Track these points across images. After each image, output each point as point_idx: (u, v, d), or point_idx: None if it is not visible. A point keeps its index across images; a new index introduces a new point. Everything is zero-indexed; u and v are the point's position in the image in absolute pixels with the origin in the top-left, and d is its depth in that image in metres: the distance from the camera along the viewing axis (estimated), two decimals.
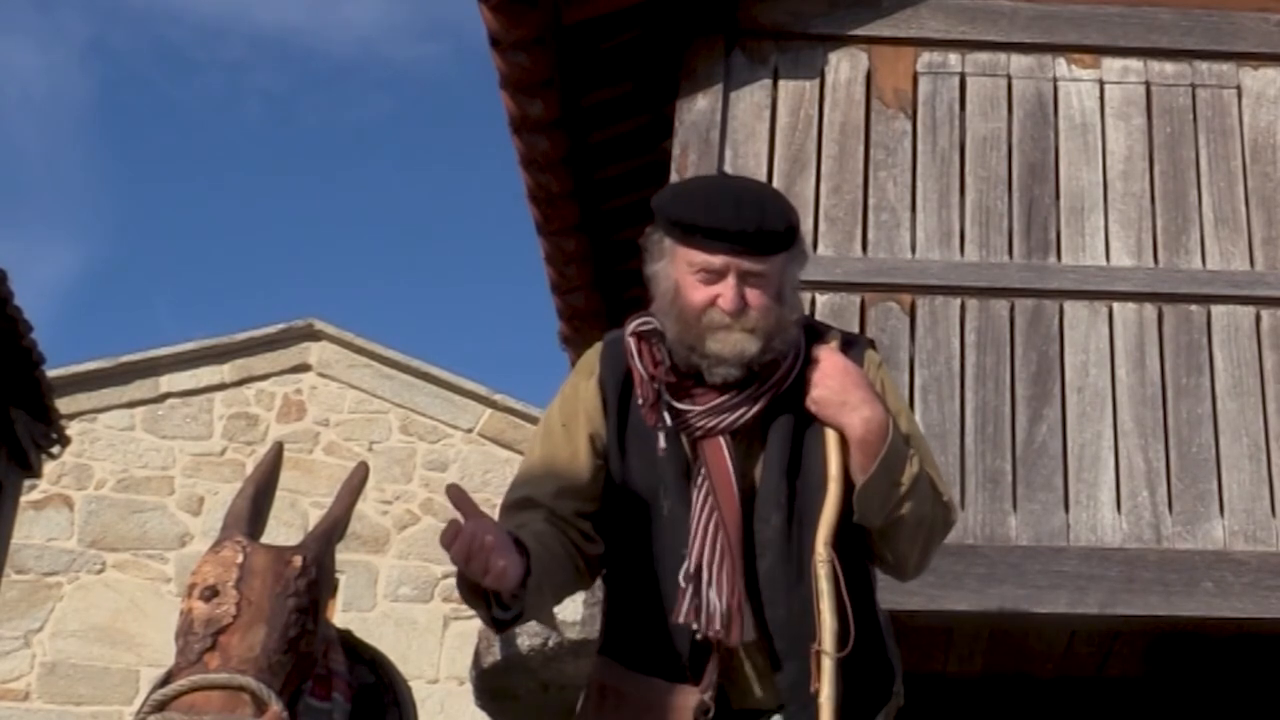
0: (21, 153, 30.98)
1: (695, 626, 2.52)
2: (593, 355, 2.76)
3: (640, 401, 2.63)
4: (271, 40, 34.24)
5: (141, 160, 31.53)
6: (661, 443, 2.58)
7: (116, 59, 33.09)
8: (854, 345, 2.74)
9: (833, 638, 2.48)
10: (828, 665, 2.48)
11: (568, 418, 2.71)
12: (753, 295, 2.58)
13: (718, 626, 2.51)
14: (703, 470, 2.60)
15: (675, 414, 2.60)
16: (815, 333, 2.73)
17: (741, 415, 2.61)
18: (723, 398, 2.61)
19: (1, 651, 10.69)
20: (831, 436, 2.59)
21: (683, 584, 2.53)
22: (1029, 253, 4.32)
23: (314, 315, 11.93)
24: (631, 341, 2.68)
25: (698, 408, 2.60)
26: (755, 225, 2.58)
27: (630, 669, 2.63)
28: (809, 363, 2.67)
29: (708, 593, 2.53)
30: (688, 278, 2.60)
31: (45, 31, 31.88)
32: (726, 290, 2.56)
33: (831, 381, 2.59)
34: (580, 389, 2.73)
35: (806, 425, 2.62)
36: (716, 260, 2.57)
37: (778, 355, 2.61)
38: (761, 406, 2.62)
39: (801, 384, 2.63)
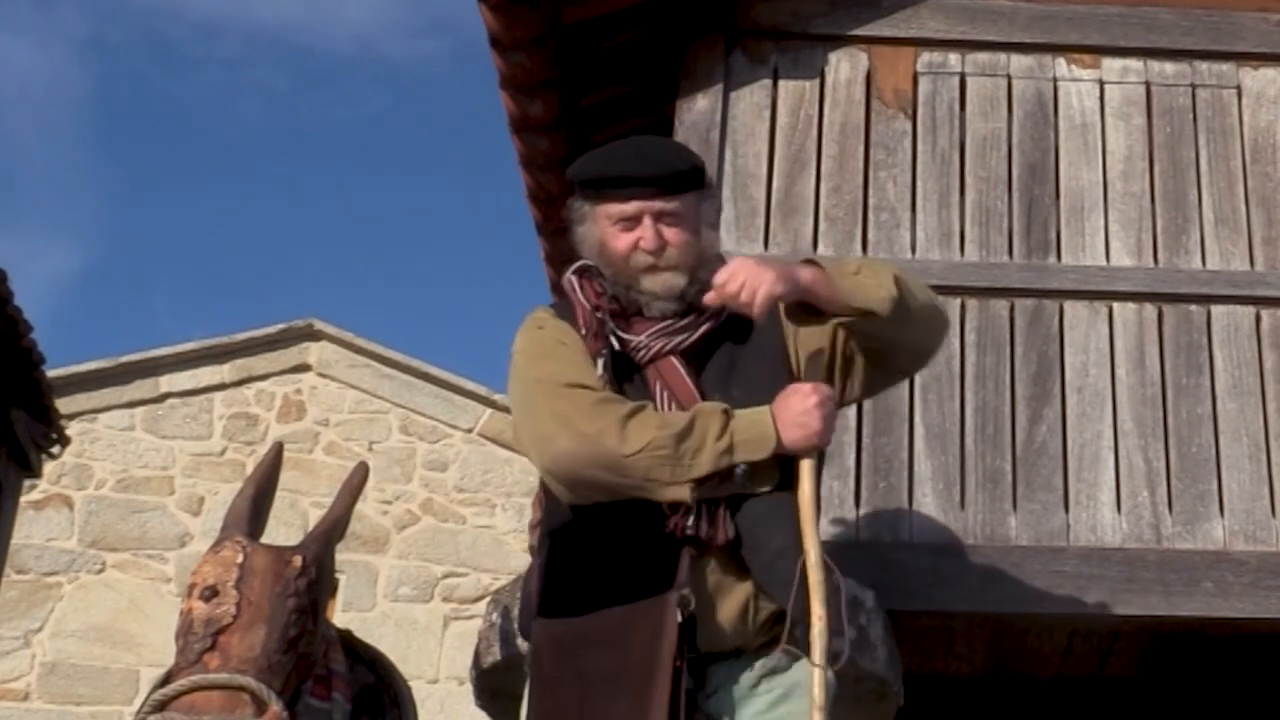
0: (19, 151, 30.99)
1: (687, 527, 2.63)
2: (541, 310, 2.91)
3: (584, 332, 2.79)
4: (270, 37, 34.23)
5: (140, 158, 31.54)
6: (599, 368, 2.71)
7: (114, 56, 33.10)
8: None
9: (823, 644, 2.54)
10: (818, 676, 2.53)
11: (562, 340, 2.80)
12: (670, 233, 2.78)
13: (703, 526, 2.64)
14: (660, 386, 2.76)
15: (622, 342, 2.77)
16: None
17: (687, 337, 2.78)
18: (664, 323, 2.79)
19: (1, 651, 10.68)
20: (805, 468, 2.68)
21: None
22: (1029, 253, 4.33)
23: (314, 315, 11.93)
24: (574, 279, 2.88)
25: (644, 334, 2.77)
26: (659, 167, 2.79)
27: (584, 613, 2.68)
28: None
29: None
30: (609, 230, 2.80)
31: (43, 29, 31.89)
32: (645, 232, 2.77)
33: (732, 273, 2.69)
34: (561, 326, 2.84)
35: (744, 350, 2.80)
36: (630, 207, 2.78)
37: (705, 287, 2.75)
38: (704, 332, 2.80)
39: (736, 317, 2.77)
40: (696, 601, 2.64)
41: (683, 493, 2.64)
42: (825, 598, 2.57)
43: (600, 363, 2.74)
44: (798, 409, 2.67)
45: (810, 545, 2.60)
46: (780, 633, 2.61)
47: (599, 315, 2.78)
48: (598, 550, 2.73)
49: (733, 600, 2.69)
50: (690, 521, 2.65)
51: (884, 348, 2.80)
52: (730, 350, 2.80)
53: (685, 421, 2.65)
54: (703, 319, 2.79)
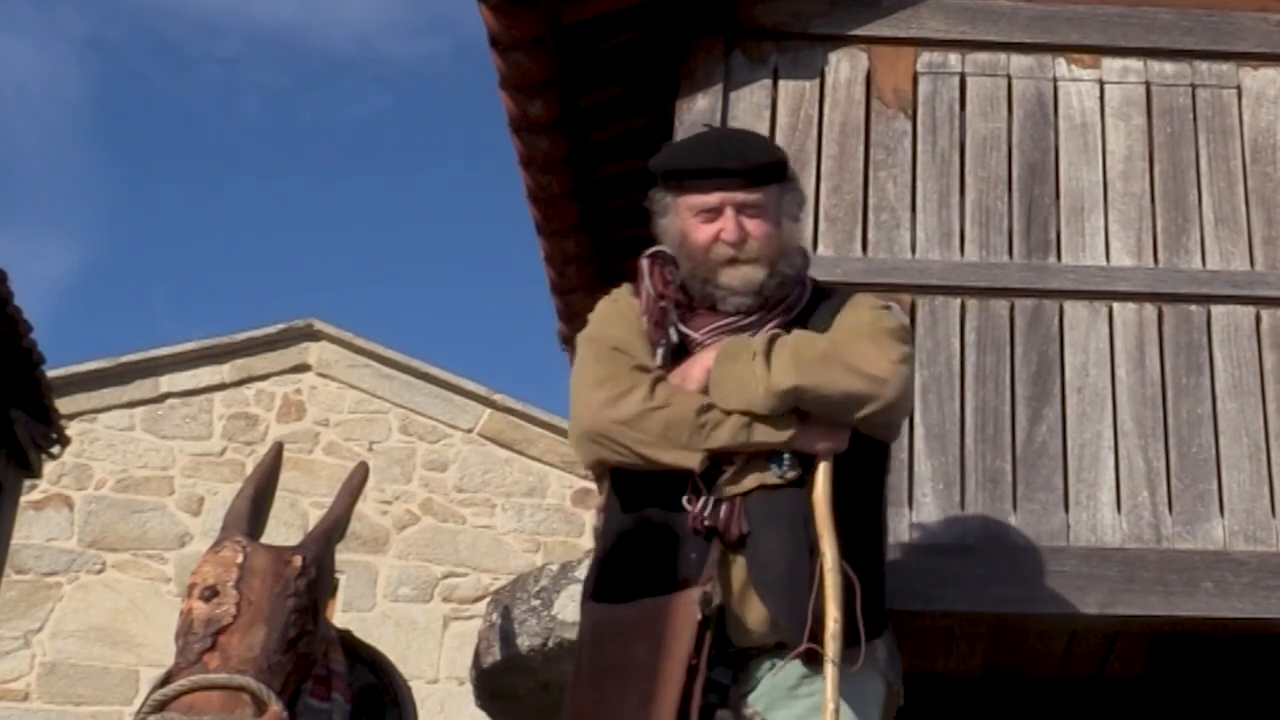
0: (18, 150, 30.99)
1: (702, 520, 2.65)
2: (622, 287, 2.94)
3: (645, 318, 2.79)
4: (269, 36, 34.23)
5: (139, 157, 31.53)
6: (659, 358, 2.69)
7: (113, 55, 33.09)
8: (841, 295, 2.91)
9: (838, 645, 2.53)
10: (832, 674, 2.52)
11: (625, 317, 2.84)
12: (752, 225, 2.76)
13: (720, 519, 2.64)
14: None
15: (682, 336, 2.76)
16: (818, 287, 2.91)
17: (748, 335, 2.74)
18: (728, 320, 2.76)
19: (1, 651, 10.68)
20: (821, 470, 2.68)
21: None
22: (1029, 253, 4.32)
23: (314, 315, 11.94)
24: (645, 263, 2.87)
25: (702, 330, 2.76)
26: (742, 160, 2.77)
27: (626, 601, 2.70)
28: (823, 297, 2.84)
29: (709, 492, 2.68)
30: (690, 221, 2.78)
31: (42, 28, 31.87)
32: (726, 223, 2.75)
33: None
34: (622, 301, 2.88)
35: None
36: (712, 198, 2.77)
37: (786, 280, 2.78)
38: (769, 329, 2.75)
39: (809, 312, 2.79)
40: (731, 597, 2.64)
41: (693, 459, 2.64)
42: (841, 599, 2.57)
43: (660, 353, 2.75)
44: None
45: (827, 547, 2.60)
46: (819, 633, 2.59)
47: (663, 304, 2.78)
48: (639, 539, 2.74)
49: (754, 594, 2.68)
50: (708, 513, 2.64)
51: None
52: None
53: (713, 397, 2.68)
54: (770, 316, 2.79)
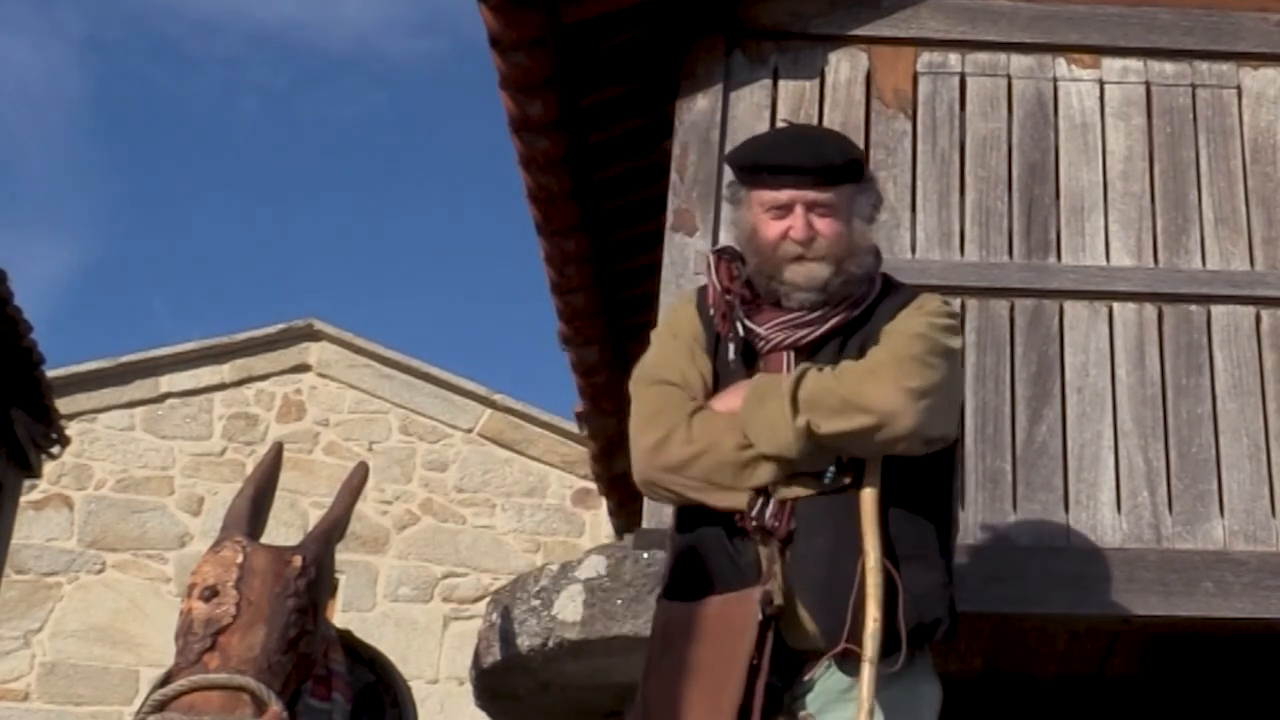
0: (18, 150, 30.99)
1: (752, 520, 2.66)
2: (691, 292, 2.97)
3: (712, 313, 2.81)
4: (268, 35, 34.23)
5: (139, 157, 31.54)
6: (731, 353, 2.71)
7: (113, 55, 33.10)
8: (907, 292, 2.91)
9: (876, 644, 2.53)
10: (868, 672, 2.52)
11: (675, 331, 2.87)
12: (821, 224, 2.77)
13: (767, 518, 2.65)
14: None
15: (747, 331, 2.77)
16: (888, 282, 2.92)
17: (808, 333, 2.77)
18: (792, 315, 2.77)
19: (1, 651, 10.69)
20: (869, 470, 2.68)
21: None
22: (1029, 253, 4.32)
23: (314, 315, 11.94)
24: (711, 258, 2.90)
25: (766, 325, 2.77)
26: (815, 158, 2.77)
27: (694, 600, 2.71)
28: (889, 291, 2.84)
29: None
30: (761, 216, 2.79)
31: (42, 28, 31.88)
32: (796, 221, 2.76)
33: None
34: (681, 313, 2.91)
35: (852, 345, 2.78)
36: (783, 195, 2.77)
37: (852, 278, 2.78)
38: (831, 327, 2.78)
39: (874, 309, 2.80)
40: (790, 599, 2.64)
41: (740, 500, 2.67)
42: (882, 599, 2.57)
43: (732, 346, 2.77)
44: None
45: (870, 546, 2.60)
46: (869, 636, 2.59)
47: (729, 299, 2.79)
48: (706, 538, 2.75)
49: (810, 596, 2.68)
50: (755, 512, 2.66)
51: None
52: (840, 345, 2.79)
53: (752, 430, 2.68)
54: (834, 313, 2.79)
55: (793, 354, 2.77)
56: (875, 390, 2.65)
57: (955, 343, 2.85)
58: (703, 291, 2.90)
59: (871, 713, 2.53)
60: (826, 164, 2.78)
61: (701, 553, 2.75)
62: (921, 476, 2.75)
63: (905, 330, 2.77)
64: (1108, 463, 4.06)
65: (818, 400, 2.65)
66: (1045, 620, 4.03)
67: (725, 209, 2.97)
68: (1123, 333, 4.22)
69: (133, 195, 31.10)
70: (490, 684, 3.95)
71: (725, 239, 3.93)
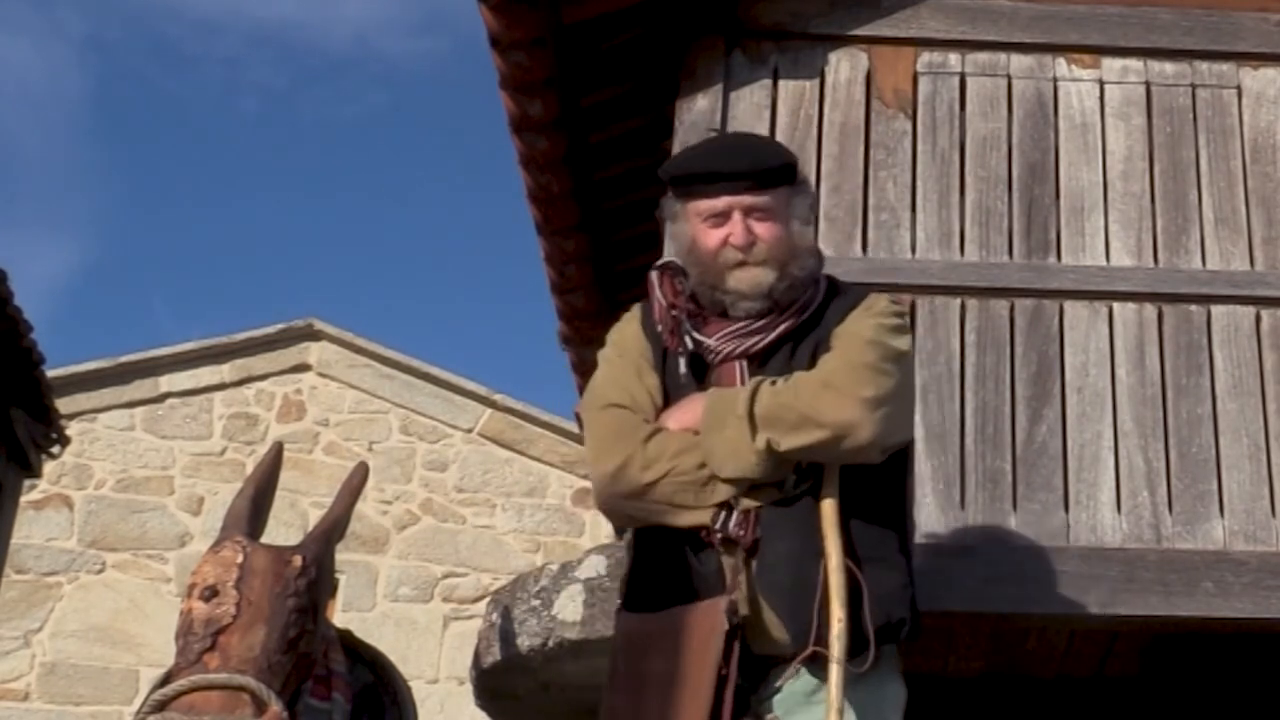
0: (18, 150, 30.99)
1: (715, 529, 2.66)
2: (634, 309, 2.95)
3: (660, 329, 2.80)
4: (268, 35, 34.25)
5: (139, 156, 31.55)
6: (683, 366, 2.71)
7: (113, 55, 33.11)
8: (854, 293, 2.89)
9: (843, 645, 2.53)
10: (836, 673, 2.52)
11: (621, 350, 2.87)
12: (760, 228, 2.76)
13: (731, 528, 2.65)
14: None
15: (696, 343, 2.76)
16: (835, 285, 2.90)
17: (757, 340, 2.76)
18: (739, 324, 2.76)
19: (1, 651, 10.68)
20: (828, 474, 2.68)
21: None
22: (1029, 253, 4.32)
23: (314, 315, 11.94)
24: (654, 275, 2.89)
25: (715, 336, 2.76)
26: (749, 164, 2.77)
27: (656, 610, 2.72)
28: (836, 292, 2.83)
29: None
30: (699, 227, 2.78)
31: (42, 28, 31.89)
32: (734, 227, 2.75)
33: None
34: (626, 332, 2.91)
35: (803, 350, 2.77)
36: (719, 203, 2.76)
37: (796, 282, 2.77)
38: (779, 334, 2.77)
39: (823, 312, 2.78)
40: (754, 606, 2.64)
41: (704, 516, 2.67)
42: (846, 600, 2.57)
43: (682, 361, 2.76)
44: None
45: (832, 548, 2.60)
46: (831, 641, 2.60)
47: (674, 314, 2.78)
48: (667, 548, 2.75)
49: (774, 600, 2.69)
50: (719, 524, 2.66)
51: None
52: (791, 351, 2.78)
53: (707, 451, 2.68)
54: (782, 319, 2.78)
55: (744, 363, 2.76)
56: (832, 403, 2.64)
57: (906, 344, 2.83)
58: (646, 308, 2.88)
59: (841, 712, 2.52)
60: (761, 168, 2.77)
61: (662, 563, 2.75)
62: (878, 480, 2.75)
63: (857, 335, 2.75)
64: (1108, 463, 4.06)
65: (776, 417, 2.64)
66: (1045, 620, 4.02)
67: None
68: (1123, 333, 4.22)
69: (133, 195, 31.12)
70: (490, 684, 3.96)
71: None
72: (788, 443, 2.64)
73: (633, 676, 2.69)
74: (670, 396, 2.79)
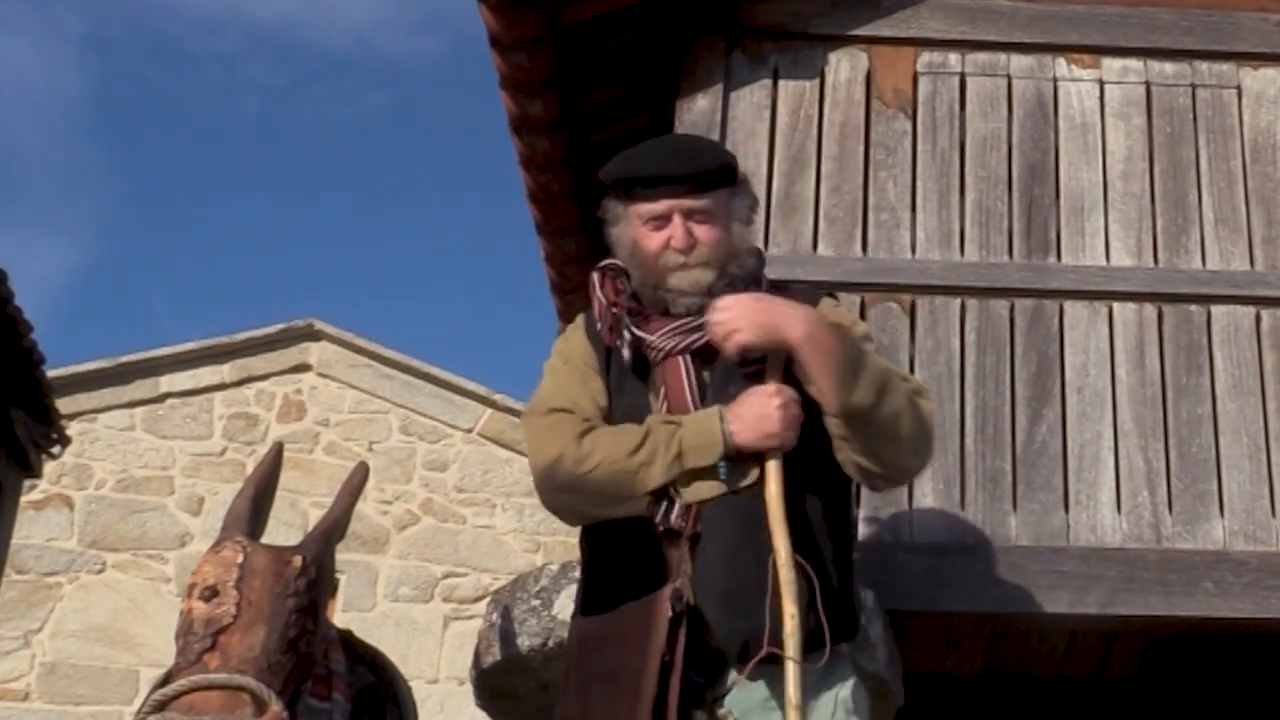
0: (18, 149, 31.00)
1: (657, 522, 2.68)
2: (579, 319, 2.97)
3: (600, 326, 2.84)
4: (268, 34, 34.26)
5: (138, 156, 31.55)
6: (626, 353, 2.78)
7: (112, 54, 33.12)
8: (805, 294, 2.92)
9: (797, 642, 2.53)
10: (793, 671, 2.52)
11: (566, 358, 2.90)
12: (700, 230, 2.79)
13: (673, 520, 2.67)
14: (661, 387, 2.77)
15: (637, 339, 2.79)
16: (778, 287, 2.91)
17: (700, 336, 2.76)
18: (682, 320, 2.78)
19: (1, 651, 10.68)
20: (771, 468, 2.67)
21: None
22: (1029, 253, 4.32)
23: (314, 315, 11.93)
24: (595, 276, 2.91)
25: (657, 333, 2.78)
26: (689, 166, 2.80)
27: (607, 611, 2.73)
28: (776, 293, 2.82)
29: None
30: (640, 230, 2.82)
31: (41, 27, 31.90)
32: (675, 230, 2.78)
33: (723, 307, 2.71)
34: (571, 341, 2.93)
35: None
36: (660, 206, 2.79)
37: (736, 280, 2.79)
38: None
39: None
40: (698, 599, 2.65)
41: (639, 506, 2.69)
42: (796, 596, 2.56)
43: (626, 353, 2.78)
44: (756, 410, 2.68)
45: (780, 543, 2.59)
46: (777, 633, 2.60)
47: (614, 311, 2.82)
48: (615, 550, 2.77)
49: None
50: (659, 516, 2.68)
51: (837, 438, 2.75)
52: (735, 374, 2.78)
53: (639, 436, 2.70)
54: None
55: (688, 358, 2.78)
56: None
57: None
58: (589, 315, 2.91)
59: (800, 709, 2.52)
60: (700, 170, 2.79)
61: (610, 565, 2.77)
62: (824, 480, 2.76)
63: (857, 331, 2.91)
64: (1108, 463, 4.06)
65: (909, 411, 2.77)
66: (1045, 620, 4.03)
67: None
68: (1123, 333, 4.22)
69: (132, 195, 31.13)
70: (490, 684, 3.95)
71: None
72: (901, 430, 2.76)
73: (581, 675, 2.70)
74: (614, 399, 2.82)
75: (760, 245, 3.50)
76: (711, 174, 2.81)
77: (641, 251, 2.81)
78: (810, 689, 2.60)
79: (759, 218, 4.30)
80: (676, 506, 2.68)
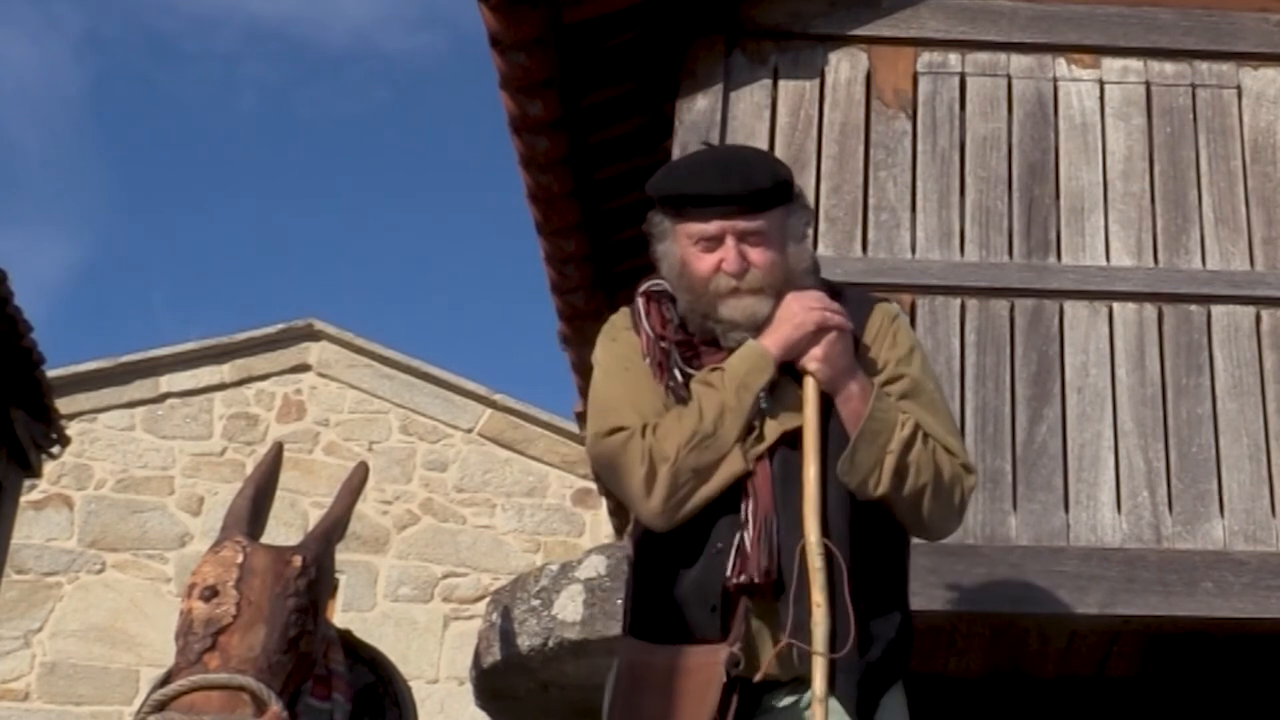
0: (16, 147, 30.98)
1: (729, 574, 2.52)
2: (620, 318, 2.80)
3: (647, 360, 2.67)
4: (266, 31, 34.23)
5: (137, 154, 31.54)
6: (674, 394, 2.60)
7: (110, 51, 33.10)
8: (864, 300, 2.78)
9: (825, 637, 2.45)
10: (820, 665, 2.45)
11: (627, 363, 2.71)
12: (754, 254, 2.62)
13: (752, 571, 2.52)
14: None
15: (686, 376, 2.62)
16: (833, 289, 2.77)
17: None
18: None
19: (1, 651, 10.69)
20: (810, 408, 2.58)
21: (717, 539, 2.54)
22: (1029, 253, 4.33)
23: (314, 315, 11.94)
24: (641, 302, 2.74)
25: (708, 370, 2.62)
26: (742, 185, 2.62)
27: (658, 642, 2.61)
28: (836, 299, 2.69)
29: (741, 538, 2.54)
30: (690, 250, 2.64)
31: (39, 24, 31.88)
32: (727, 253, 2.61)
33: (786, 311, 2.61)
34: (623, 339, 2.75)
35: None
36: (711, 227, 2.62)
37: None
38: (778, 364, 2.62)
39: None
40: (750, 634, 2.54)
41: (738, 464, 2.55)
42: (825, 584, 2.45)
43: (673, 396, 2.61)
44: (781, 314, 2.59)
45: (810, 527, 2.48)
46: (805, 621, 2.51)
47: (663, 345, 2.65)
48: (670, 579, 2.62)
49: (775, 626, 2.56)
50: (730, 570, 2.53)
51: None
52: (787, 380, 2.64)
53: (695, 401, 2.58)
54: None
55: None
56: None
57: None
58: (634, 314, 2.75)
59: (825, 703, 2.41)
60: (754, 189, 2.61)
61: (664, 589, 2.63)
62: (886, 524, 2.65)
63: (927, 388, 2.75)
64: (1108, 463, 4.06)
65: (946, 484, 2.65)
66: (1045, 620, 4.03)
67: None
68: (1123, 333, 4.22)
69: (131, 193, 31.14)
70: (490, 684, 3.96)
71: None
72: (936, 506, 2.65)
73: (629, 712, 2.61)
74: None
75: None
76: (766, 193, 2.62)
77: (691, 273, 2.63)
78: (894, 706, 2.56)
79: None
80: (752, 560, 2.53)
